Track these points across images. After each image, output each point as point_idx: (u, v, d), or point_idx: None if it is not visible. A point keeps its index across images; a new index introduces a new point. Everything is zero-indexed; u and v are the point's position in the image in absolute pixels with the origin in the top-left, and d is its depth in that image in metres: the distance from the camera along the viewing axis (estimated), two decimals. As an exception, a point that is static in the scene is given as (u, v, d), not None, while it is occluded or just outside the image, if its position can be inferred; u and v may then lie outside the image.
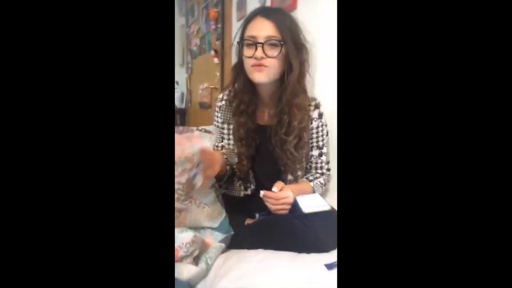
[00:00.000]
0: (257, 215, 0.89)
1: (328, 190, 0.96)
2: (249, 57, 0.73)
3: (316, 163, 0.88)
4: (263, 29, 0.72)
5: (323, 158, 0.86)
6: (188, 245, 0.67)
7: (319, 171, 0.89)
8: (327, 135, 0.86)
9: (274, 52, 0.72)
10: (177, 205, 0.75)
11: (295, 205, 0.77)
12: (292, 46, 0.72)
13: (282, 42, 0.72)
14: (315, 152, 0.86)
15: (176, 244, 0.67)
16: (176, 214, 0.74)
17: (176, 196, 0.80)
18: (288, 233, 0.73)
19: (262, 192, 0.76)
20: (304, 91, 0.78)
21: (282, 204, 0.76)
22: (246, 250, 0.73)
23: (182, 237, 0.69)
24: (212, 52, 2.09)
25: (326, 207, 0.77)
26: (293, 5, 1.16)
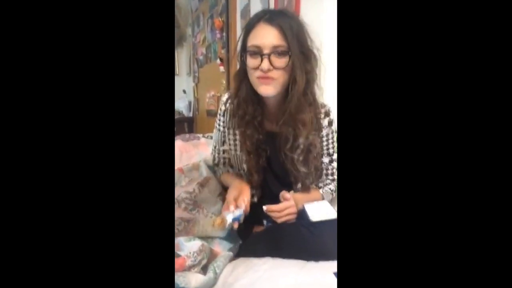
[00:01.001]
0: (265, 222, 0.88)
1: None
2: (254, 69, 0.66)
3: (327, 169, 0.87)
4: (268, 37, 0.63)
5: (334, 164, 0.85)
6: (195, 254, 0.67)
7: (330, 177, 0.88)
8: (336, 142, 0.85)
9: (281, 62, 0.64)
10: (185, 214, 0.75)
11: (303, 213, 0.76)
12: (299, 55, 0.64)
13: (289, 51, 0.64)
14: (326, 159, 0.85)
15: (184, 253, 0.67)
16: (184, 224, 0.74)
17: (183, 206, 0.80)
18: (296, 241, 0.72)
19: (265, 208, 0.75)
20: (311, 103, 0.70)
21: (286, 215, 0.74)
22: (254, 259, 0.72)
23: (190, 246, 0.69)
24: (218, 61, 2.11)
25: (334, 215, 0.76)
26: (296, 11, 1.16)
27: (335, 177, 0.88)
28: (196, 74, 2.90)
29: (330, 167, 0.86)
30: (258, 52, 0.65)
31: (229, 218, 0.69)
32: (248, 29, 0.68)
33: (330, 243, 0.67)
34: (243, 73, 0.72)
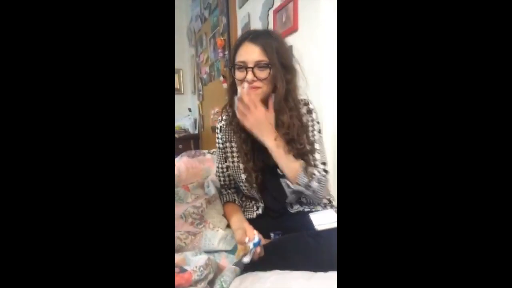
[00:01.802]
0: (272, 235, 0.88)
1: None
2: (241, 80, 0.78)
3: (309, 160, 0.81)
4: (252, 54, 0.76)
5: (316, 155, 0.81)
6: (202, 268, 0.67)
7: (314, 170, 0.80)
8: (319, 132, 0.84)
9: (263, 74, 0.76)
10: (191, 229, 0.76)
11: (308, 222, 0.76)
12: (280, 67, 0.76)
13: (270, 65, 0.76)
14: (307, 147, 0.82)
15: (190, 268, 0.67)
16: (190, 237, 0.74)
17: (190, 220, 0.81)
18: (303, 252, 0.71)
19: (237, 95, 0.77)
20: (292, 108, 0.80)
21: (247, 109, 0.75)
22: (261, 272, 0.71)
23: (196, 261, 0.69)
24: (221, 78, 2.16)
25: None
26: (294, 27, 1.20)
27: (320, 170, 0.80)
28: (201, 92, 2.96)
29: (311, 158, 0.81)
30: (243, 66, 0.76)
31: (250, 245, 0.71)
32: (236, 48, 0.80)
33: (336, 252, 0.65)
34: (234, 86, 0.82)
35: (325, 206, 0.89)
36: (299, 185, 0.78)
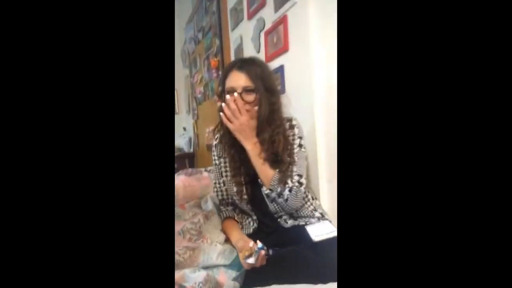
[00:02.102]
0: (270, 251, 0.88)
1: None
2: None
3: (286, 171, 0.86)
4: (239, 80, 0.87)
5: (294, 168, 0.85)
6: (201, 285, 0.67)
7: (291, 179, 0.85)
8: (299, 146, 0.89)
9: (250, 98, 0.86)
10: (190, 244, 0.76)
11: (304, 235, 0.77)
12: (264, 91, 0.87)
13: (255, 89, 0.86)
14: (287, 159, 0.87)
15: (189, 285, 0.67)
16: (189, 252, 0.75)
17: (188, 236, 0.81)
18: (301, 264, 0.72)
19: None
20: (278, 125, 0.88)
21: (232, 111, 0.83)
22: (260, 288, 0.71)
23: (195, 277, 0.69)
24: (215, 97, 2.21)
25: (334, 233, 0.77)
26: (285, 48, 1.25)
27: (294, 181, 0.84)
28: (195, 111, 3.00)
29: (289, 169, 0.85)
30: (232, 91, 0.86)
31: (255, 247, 0.75)
32: (225, 75, 0.92)
33: (335, 262, 0.66)
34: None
35: (318, 220, 0.90)
36: (272, 191, 0.84)
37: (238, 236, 0.85)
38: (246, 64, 0.89)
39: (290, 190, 0.83)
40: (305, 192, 0.90)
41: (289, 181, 0.83)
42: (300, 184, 0.85)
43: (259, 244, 0.76)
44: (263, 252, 0.76)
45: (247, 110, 0.85)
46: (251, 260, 0.74)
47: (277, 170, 0.85)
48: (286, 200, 0.83)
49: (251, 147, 0.85)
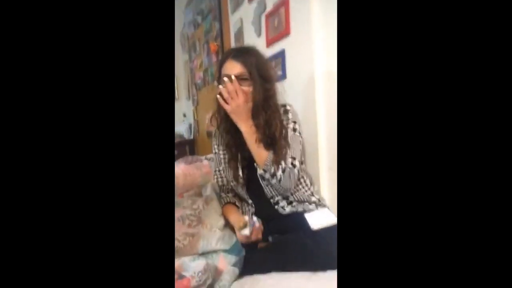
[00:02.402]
0: (270, 238, 0.88)
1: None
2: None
3: (280, 153, 0.88)
4: (234, 69, 0.89)
5: (287, 150, 0.88)
6: (200, 274, 0.67)
7: (282, 161, 0.87)
8: (293, 130, 0.92)
9: (245, 85, 0.89)
10: (189, 230, 0.76)
11: (303, 223, 0.76)
12: (259, 78, 0.89)
13: (250, 76, 0.89)
14: (283, 142, 0.91)
15: (189, 274, 0.67)
16: (189, 238, 0.75)
17: (187, 222, 0.81)
18: (300, 252, 0.72)
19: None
20: (273, 110, 0.91)
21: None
22: (259, 275, 0.72)
23: (194, 266, 0.69)
24: (216, 82, 2.17)
25: (333, 221, 0.76)
26: (287, 31, 1.22)
27: (288, 161, 0.87)
28: (195, 97, 2.97)
29: (283, 152, 0.87)
30: (229, 78, 0.88)
31: (248, 219, 0.79)
32: (221, 64, 0.95)
33: (334, 250, 0.67)
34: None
35: (316, 206, 0.91)
36: (265, 172, 0.86)
37: (236, 217, 0.89)
38: (241, 53, 0.92)
39: (283, 171, 0.85)
40: (300, 175, 0.92)
41: (282, 162, 0.85)
42: (294, 166, 0.87)
43: (254, 217, 0.80)
44: (257, 224, 0.79)
45: (244, 92, 0.87)
46: (245, 231, 0.78)
47: (271, 151, 0.87)
48: (279, 180, 0.85)
49: (246, 129, 0.87)
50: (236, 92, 0.85)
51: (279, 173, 0.85)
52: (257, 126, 0.88)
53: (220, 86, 0.87)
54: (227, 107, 0.87)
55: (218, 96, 0.87)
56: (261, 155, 0.87)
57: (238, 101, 0.85)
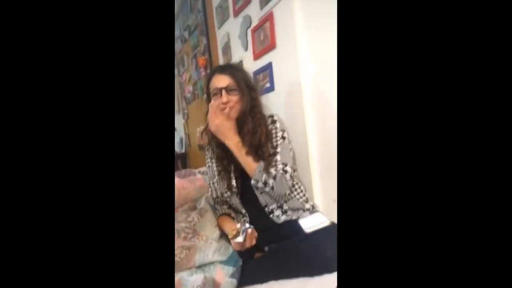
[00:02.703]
0: (266, 248, 0.89)
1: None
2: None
3: (271, 161, 0.92)
4: (222, 81, 0.96)
5: (278, 157, 0.91)
6: (199, 288, 0.67)
7: (272, 169, 0.90)
8: (282, 138, 0.95)
9: (233, 95, 0.96)
10: (185, 243, 0.76)
11: (297, 229, 0.78)
12: (246, 88, 0.97)
13: (237, 87, 0.96)
14: (271, 151, 0.94)
15: (187, 288, 0.67)
16: (185, 252, 0.75)
17: (183, 235, 0.81)
18: (296, 257, 0.73)
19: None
20: (258, 118, 0.97)
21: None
22: (257, 285, 0.72)
23: (193, 281, 0.69)
24: (205, 96, 2.19)
25: (326, 223, 0.79)
26: (273, 45, 1.26)
27: (278, 168, 0.89)
28: (185, 111, 2.98)
29: (273, 159, 0.91)
30: (217, 91, 0.96)
31: (240, 227, 0.80)
32: (208, 79, 1.01)
33: (329, 252, 0.69)
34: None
35: (310, 212, 0.92)
36: (257, 181, 0.88)
37: (229, 226, 0.91)
38: (227, 68, 1.00)
39: (274, 178, 0.88)
40: (293, 181, 0.95)
41: (272, 170, 0.88)
42: (285, 171, 0.89)
43: (247, 224, 0.82)
44: (250, 230, 0.81)
45: (223, 109, 0.94)
46: (239, 239, 0.79)
47: (261, 161, 0.90)
48: (272, 188, 0.88)
49: (233, 144, 0.92)
50: (216, 113, 0.92)
51: (271, 180, 0.88)
52: (245, 133, 0.93)
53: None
54: (211, 128, 0.94)
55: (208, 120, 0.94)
56: (251, 166, 0.90)
57: (217, 121, 0.92)
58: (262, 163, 0.89)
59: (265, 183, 0.88)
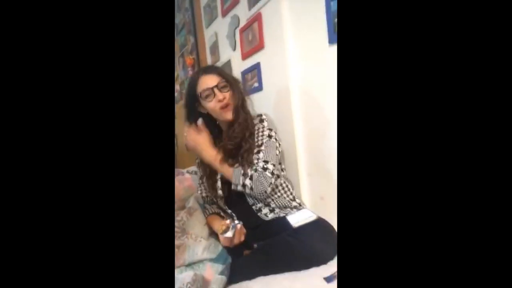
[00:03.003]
0: (255, 246, 0.90)
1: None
2: (213, 104, 0.96)
3: (252, 158, 0.93)
4: (211, 80, 0.96)
5: (260, 155, 0.92)
6: (189, 285, 0.68)
7: (253, 166, 0.90)
8: (268, 137, 0.96)
9: (225, 91, 0.97)
10: (174, 241, 0.76)
11: (285, 224, 0.79)
12: (234, 84, 1.00)
13: (229, 83, 0.97)
14: (255, 150, 0.95)
15: (178, 286, 0.67)
16: (174, 250, 0.75)
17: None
18: (285, 252, 0.75)
19: None
20: (246, 113, 1.00)
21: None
22: (246, 281, 0.73)
23: (182, 278, 0.70)
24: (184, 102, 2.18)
25: (313, 217, 0.81)
26: (261, 45, 1.27)
27: (258, 167, 0.89)
28: (172, 111, 2.96)
29: (255, 157, 0.92)
30: (210, 91, 0.95)
31: (230, 222, 0.81)
32: (193, 85, 0.99)
33: (316, 245, 0.71)
34: (197, 115, 1.02)
35: (297, 210, 0.93)
36: (236, 185, 0.90)
37: (218, 223, 0.93)
38: (210, 68, 1.01)
39: (251, 178, 0.88)
40: (279, 179, 0.96)
41: (248, 171, 0.89)
42: (265, 169, 0.89)
43: (236, 220, 0.83)
44: (239, 226, 0.83)
45: (222, 107, 0.95)
46: (228, 234, 0.81)
47: (236, 164, 0.92)
48: (251, 188, 0.88)
49: (208, 158, 0.95)
50: (188, 132, 0.97)
51: (248, 181, 0.88)
52: (240, 124, 0.95)
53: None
54: (188, 147, 0.98)
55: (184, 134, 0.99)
56: (228, 172, 0.92)
57: (189, 138, 0.97)
58: (238, 168, 0.91)
59: (244, 185, 0.88)
